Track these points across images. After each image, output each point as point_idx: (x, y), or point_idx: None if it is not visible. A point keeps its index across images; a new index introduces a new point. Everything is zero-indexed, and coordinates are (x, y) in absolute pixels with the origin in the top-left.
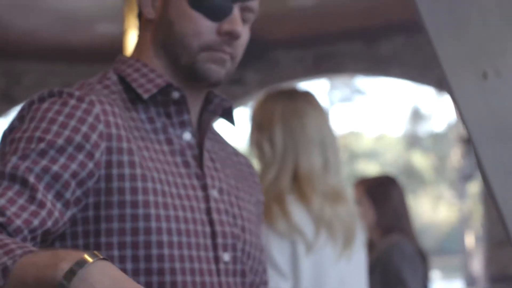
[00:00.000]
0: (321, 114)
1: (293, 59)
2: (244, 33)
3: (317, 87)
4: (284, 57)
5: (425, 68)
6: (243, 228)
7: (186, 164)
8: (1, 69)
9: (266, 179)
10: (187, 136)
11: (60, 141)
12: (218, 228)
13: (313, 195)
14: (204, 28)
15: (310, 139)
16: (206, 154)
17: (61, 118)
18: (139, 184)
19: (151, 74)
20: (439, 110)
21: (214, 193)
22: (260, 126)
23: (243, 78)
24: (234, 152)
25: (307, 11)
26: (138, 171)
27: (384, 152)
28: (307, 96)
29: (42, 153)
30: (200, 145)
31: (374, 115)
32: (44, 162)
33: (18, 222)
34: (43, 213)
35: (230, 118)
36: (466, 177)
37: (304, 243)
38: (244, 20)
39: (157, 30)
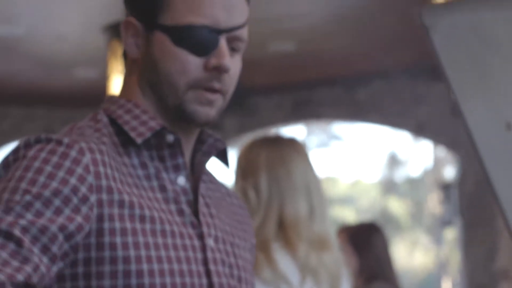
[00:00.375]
0: (306, 160)
1: (272, 105)
2: (234, 64)
3: (294, 132)
4: (263, 102)
5: (403, 114)
6: (239, 278)
7: (180, 212)
8: None
9: None
10: (182, 180)
11: (46, 193)
12: (215, 279)
13: (299, 242)
14: (190, 64)
15: (295, 186)
16: (201, 199)
17: (48, 168)
18: (130, 239)
19: (143, 116)
20: (415, 156)
21: (210, 242)
22: (245, 173)
23: (222, 123)
24: (227, 193)
25: (287, 57)
26: (129, 224)
27: (360, 198)
28: (293, 143)
29: (28, 206)
30: (194, 190)
31: (350, 160)
32: (29, 216)
33: (1, 277)
34: (28, 268)
35: (224, 159)
36: (445, 223)
37: None
38: (233, 50)
39: (142, 70)
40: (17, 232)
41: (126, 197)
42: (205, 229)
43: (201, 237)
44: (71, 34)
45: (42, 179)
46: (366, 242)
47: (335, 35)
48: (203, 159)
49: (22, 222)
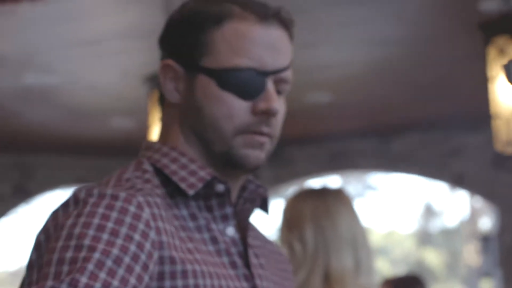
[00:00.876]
0: (352, 212)
1: (308, 155)
2: (281, 107)
3: (329, 182)
4: (298, 153)
5: (440, 165)
6: None
7: (233, 265)
8: (13, 161)
9: (297, 280)
10: (231, 231)
11: (115, 251)
12: None
13: None
14: (237, 109)
15: (341, 239)
16: (250, 250)
17: (110, 225)
18: None
19: (192, 165)
20: (451, 206)
21: None
22: (291, 225)
23: (258, 174)
24: (266, 240)
25: (322, 108)
26: (191, 281)
27: (394, 248)
28: (338, 194)
29: (99, 265)
30: (243, 240)
31: (385, 211)
32: (103, 276)
33: None
34: None
35: (264, 206)
36: (483, 274)
37: None
38: (279, 92)
39: (184, 115)
40: None
41: (181, 255)
42: (258, 282)
43: None
44: (106, 84)
45: (105, 236)
46: None
47: (371, 86)
48: (247, 207)
49: (98, 285)
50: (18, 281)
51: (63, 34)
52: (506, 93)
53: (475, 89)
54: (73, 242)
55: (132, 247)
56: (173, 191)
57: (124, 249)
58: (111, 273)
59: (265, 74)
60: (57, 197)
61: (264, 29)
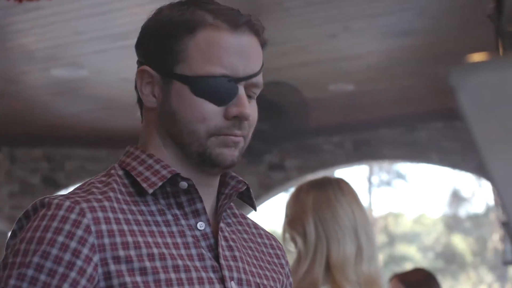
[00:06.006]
0: (353, 200)
1: (333, 145)
2: (253, 110)
3: (357, 171)
4: (324, 143)
5: (463, 154)
6: None
7: (201, 257)
8: (43, 154)
9: (299, 272)
10: (201, 225)
11: (48, 264)
12: None
13: (346, 284)
14: (210, 113)
15: (342, 228)
16: (223, 243)
17: (49, 235)
18: None
19: (156, 166)
20: (478, 192)
21: (233, 285)
22: (293, 219)
23: (283, 164)
24: (258, 233)
25: (347, 97)
26: (139, 278)
27: (423, 235)
28: (339, 184)
29: (33, 281)
30: (215, 234)
31: (414, 197)
32: None
33: None
34: None
35: (249, 201)
36: (506, 262)
37: None
38: (250, 97)
39: (160, 119)
40: None
41: (133, 252)
42: (226, 273)
43: (222, 281)
44: (133, 77)
45: (43, 247)
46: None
47: (394, 76)
48: (225, 202)
49: None
50: None
51: (90, 27)
52: None
53: None
54: (17, 259)
55: (67, 256)
56: (141, 190)
57: (58, 260)
58: (45, 285)
59: (236, 80)
60: None
61: (235, 37)
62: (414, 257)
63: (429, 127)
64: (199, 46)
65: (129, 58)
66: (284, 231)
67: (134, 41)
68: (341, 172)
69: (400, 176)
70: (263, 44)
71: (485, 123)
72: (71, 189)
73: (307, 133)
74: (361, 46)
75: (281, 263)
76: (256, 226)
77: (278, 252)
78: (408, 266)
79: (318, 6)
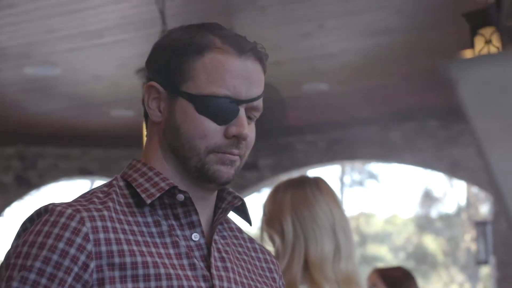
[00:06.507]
0: (331, 198)
1: (307, 144)
2: (251, 132)
3: (329, 171)
4: (297, 142)
5: (436, 154)
6: None
7: (192, 267)
8: (16, 152)
9: None
10: (196, 237)
11: (49, 269)
12: None
13: (324, 282)
14: (211, 131)
15: (320, 226)
16: (216, 254)
17: (50, 241)
18: None
19: (155, 178)
20: (450, 192)
21: None
22: (271, 218)
23: (257, 164)
24: (254, 248)
25: (320, 97)
26: (130, 284)
27: (394, 235)
28: (317, 183)
29: (35, 284)
30: (209, 245)
31: (386, 198)
32: None
33: None
34: None
35: (245, 216)
36: (480, 262)
37: None
38: (249, 118)
39: (164, 133)
40: None
41: (128, 260)
42: (216, 282)
43: None
44: (106, 75)
45: (44, 252)
46: (397, 285)
47: (368, 75)
48: (220, 217)
49: None
50: None
51: (64, 25)
52: None
53: None
54: (19, 261)
55: (66, 262)
56: (140, 201)
57: (58, 266)
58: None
59: (238, 102)
60: (60, 187)
61: (241, 61)
62: (385, 257)
63: (403, 127)
64: (205, 67)
65: (102, 56)
66: (262, 230)
67: (108, 39)
68: (313, 172)
69: (372, 176)
70: (265, 71)
71: (485, 116)
72: (44, 188)
73: (281, 133)
74: (335, 45)
75: (273, 277)
76: (251, 240)
77: (272, 266)
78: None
79: (292, 4)
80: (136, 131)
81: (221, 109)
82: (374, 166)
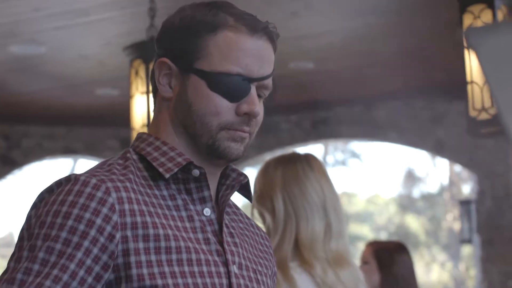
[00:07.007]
0: (322, 177)
1: (291, 124)
2: (261, 110)
3: (313, 150)
4: (282, 121)
5: (421, 133)
6: None
7: (206, 241)
8: (0, 131)
9: None
10: (207, 212)
11: (75, 239)
12: None
13: (315, 261)
14: (223, 108)
15: (311, 205)
16: (225, 229)
17: (75, 211)
18: (156, 269)
19: (171, 153)
20: (433, 172)
21: (234, 268)
22: (262, 195)
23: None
24: (251, 224)
25: (305, 76)
26: (154, 256)
27: (377, 214)
28: (308, 160)
29: (60, 254)
30: (219, 221)
31: (368, 177)
32: (62, 262)
33: None
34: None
35: (247, 193)
36: (463, 241)
37: None
38: (259, 96)
39: (175, 109)
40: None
41: (151, 231)
42: (229, 257)
43: (226, 264)
44: (92, 53)
45: (70, 222)
46: (390, 259)
47: (354, 54)
48: (227, 193)
49: (55, 271)
50: (4, 247)
51: (50, 3)
52: None
53: (455, 57)
54: (43, 231)
55: (92, 232)
56: (155, 174)
57: (84, 235)
58: (70, 257)
59: (250, 80)
60: (45, 167)
61: (253, 40)
62: (367, 236)
63: (388, 106)
64: (218, 45)
65: (89, 35)
66: (253, 206)
67: (94, 17)
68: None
69: (355, 155)
70: (275, 50)
71: (505, 82)
72: (28, 167)
73: (266, 112)
74: (322, 24)
75: (270, 252)
76: (247, 217)
77: (267, 242)
78: (361, 246)
79: None
80: (121, 110)
81: (233, 87)
82: (357, 146)
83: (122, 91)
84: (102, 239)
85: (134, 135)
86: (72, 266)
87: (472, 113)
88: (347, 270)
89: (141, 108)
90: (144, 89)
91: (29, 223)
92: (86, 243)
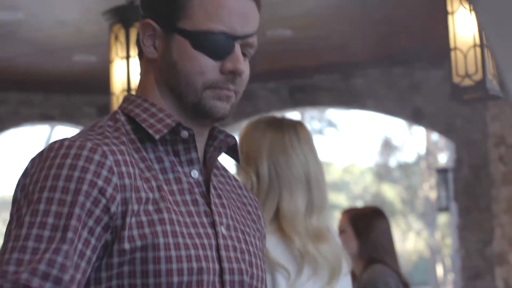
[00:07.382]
0: (308, 147)
1: (268, 91)
2: (246, 68)
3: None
4: (259, 89)
5: (399, 101)
6: (250, 263)
7: (195, 202)
8: None
9: None
10: (195, 174)
11: (81, 198)
12: (225, 265)
13: (294, 236)
14: (208, 67)
15: (295, 177)
16: (213, 191)
17: (76, 174)
18: (159, 228)
19: (160, 114)
20: (409, 141)
21: (222, 229)
22: (248, 157)
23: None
24: (238, 185)
25: (283, 43)
26: (154, 216)
27: (353, 183)
28: (295, 129)
29: (68, 216)
30: (207, 182)
31: (345, 146)
32: (64, 222)
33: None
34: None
35: (234, 155)
36: (440, 209)
37: (285, 279)
38: (244, 55)
39: (160, 70)
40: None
41: (143, 195)
42: (217, 218)
43: (213, 225)
44: (70, 19)
45: (73, 185)
46: (367, 226)
47: (332, 22)
48: (214, 154)
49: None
50: None
51: None
52: (465, 26)
53: (435, 24)
54: (45, 194)
55: (94, 193)
56: (143, 136)
57: (87, 195)
58: (75, 217)
59: (234, 38)
60: (21, 133)
61: None
62: (343, 205)
63: (366, 74)
64: (202, 3)
65: (67, 1)
66: (240, 166)
67: None
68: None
69: (331, 124)
70: (259, 9)
71: (503, 37)
72: (4, 134)
73: None
74: None
75: (258, 214)
76: (235, 179)
77: (256, 204)
78: (337, 215)
79: None
80: (98, 76)
81: (217, 45)
82: (334, 115)
83: (99, 58)
84: (104, 200)
85: (114, 100)
86: (79, 228)
87: (456, 79)
88: (327, 244)
89: (121, 73)
90: (124, 54)
91: (26, 189)
92: (88, 204)
